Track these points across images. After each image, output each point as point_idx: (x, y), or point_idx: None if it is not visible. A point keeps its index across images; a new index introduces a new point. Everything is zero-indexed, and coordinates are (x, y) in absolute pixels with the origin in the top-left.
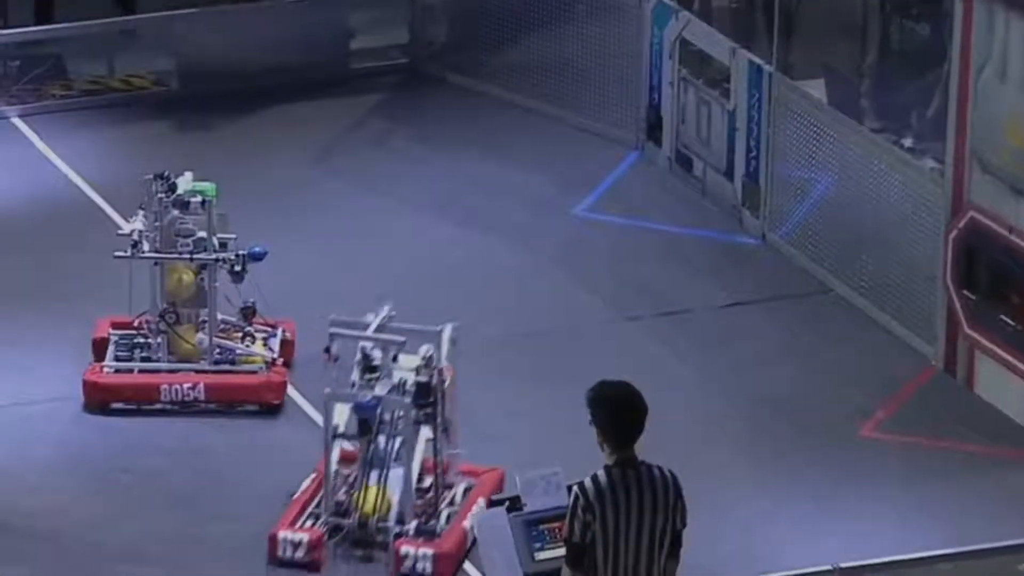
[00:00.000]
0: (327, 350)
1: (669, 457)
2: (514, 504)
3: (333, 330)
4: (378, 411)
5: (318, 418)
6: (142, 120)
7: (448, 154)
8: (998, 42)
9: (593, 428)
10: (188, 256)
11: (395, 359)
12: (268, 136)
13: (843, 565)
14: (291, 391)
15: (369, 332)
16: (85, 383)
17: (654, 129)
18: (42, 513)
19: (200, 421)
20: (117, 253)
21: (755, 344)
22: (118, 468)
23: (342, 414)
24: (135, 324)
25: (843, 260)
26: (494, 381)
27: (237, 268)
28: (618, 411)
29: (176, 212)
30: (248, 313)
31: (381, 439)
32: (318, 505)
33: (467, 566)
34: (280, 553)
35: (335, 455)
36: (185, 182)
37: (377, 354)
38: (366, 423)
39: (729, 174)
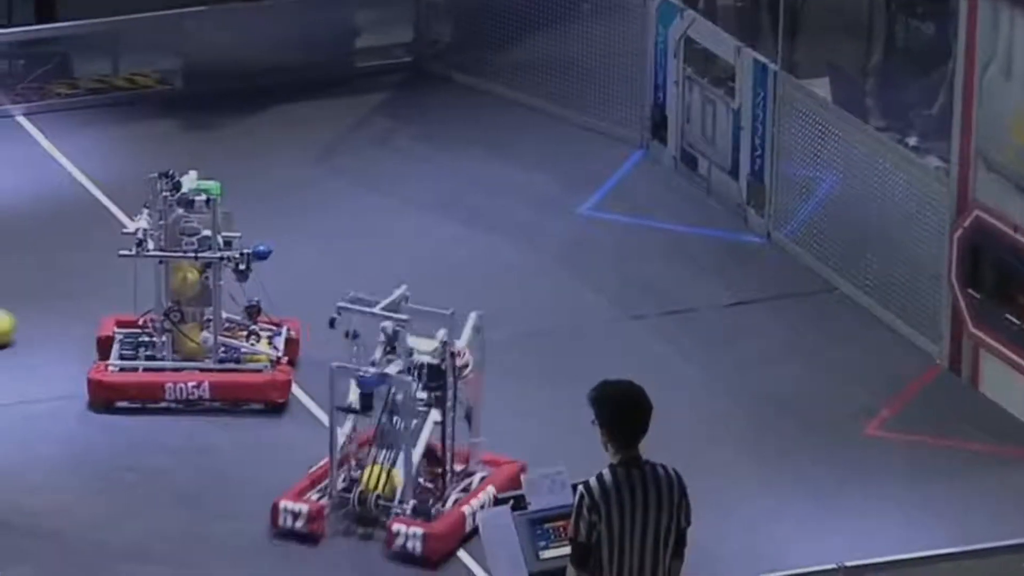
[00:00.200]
0: (331, 323)
1: (674, 456)
2: (518, 503)
3: (341, 304)
4: (383, 388)
5: (323, 417)
6: (147, 119)
7: (452, 153)
8: (1003, 40)
9: (597, 427)
10: (193, 255)
11: (393, 339)
12: (272, 135)
13: (848, 564)
14: (296, 390)
15: (375, 309)
16: (90, 382)
17: (659, 128)
18: (46, 512)
19: (205, 420)
20: (122, 252)
21: (760, 343)
22: (122, 467)
23: (356, 391)
24: (140, 323)
25: (848, 259)
26: (498, 380)
27: (242, 267)
28: (622, 410)
29: (181, 211)
30: (253, 312)
31: (393, 419)
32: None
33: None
34: (280, 522)
35: (345, 430)
36: (190, 181)
37: (401, 334)
38: (368, 399)
39: (734, 173)
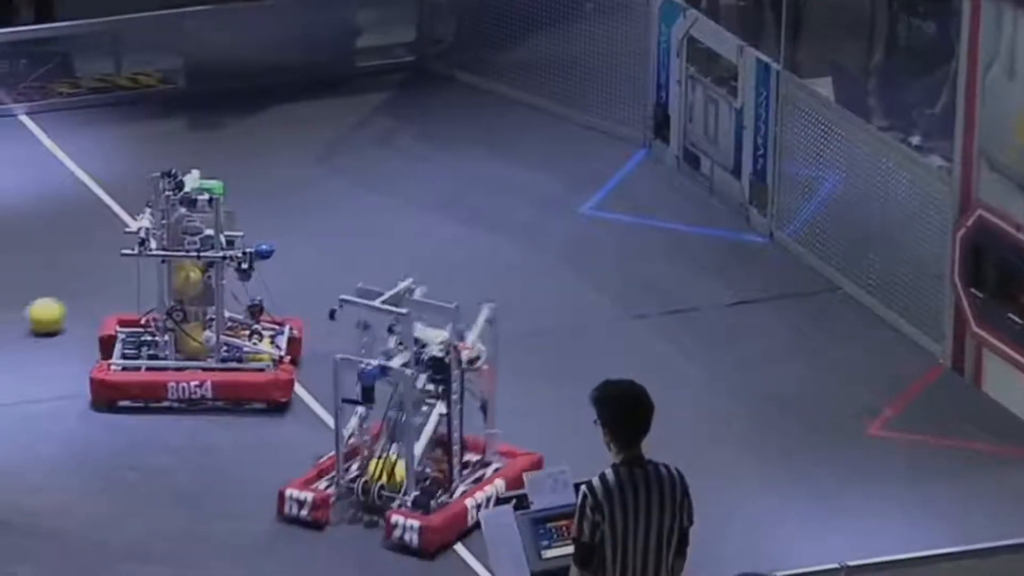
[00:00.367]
0: (332, 314)
1: (676, 455)
2: (521, 502)
3: (343, 296)
4: (382, 380)
5: (326, 416)
6: (149, 118)
7: (453, 152)
8: (1006, 39)
9: (599, 427)
10: (195, 254)
11: (391, 330)
12: (274, 134)
13: (850, 563)
14: (298, 389)
15: (376, 303)
16: (92, 381)
17: (661, 127)
18: (47, 511)
19: (207, 419)
20: (124, 251)
21: (762, 342)
22: (124, 466)
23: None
24: (142, 322)
25: (850, 258)
26: (501, 379)
27: (244, 266)
28: (624, 410)
29: (183, 210)
30: (255, 311)
31: (401, 411)
32: (347, 472)
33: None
34: (286, 510)
35: (352, 422)
36: (192, 180)
37: (417, 325)
38: (369, 391)
39: (736, 172)
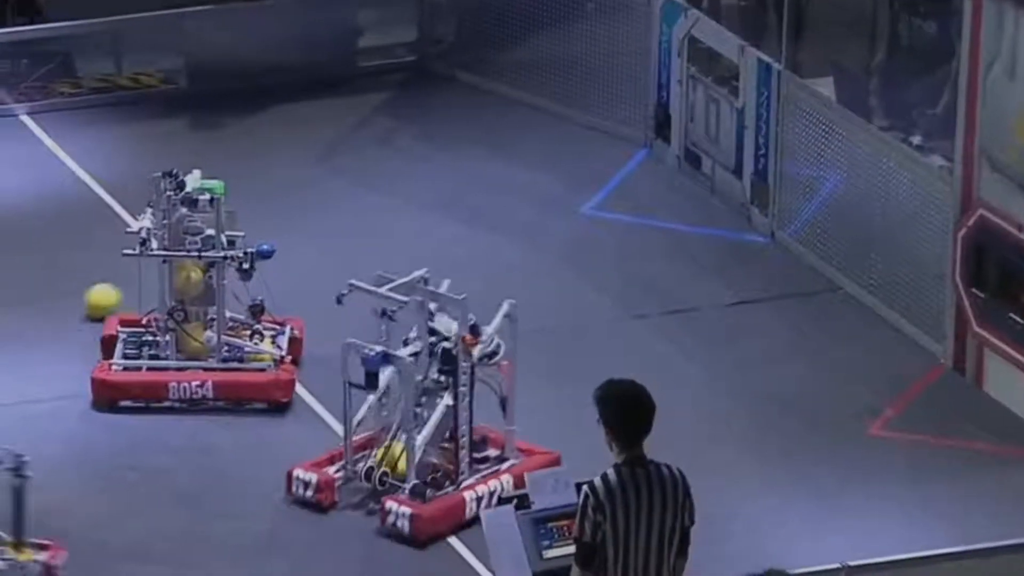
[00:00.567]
0: (339, 300)
1: (677, 455)
2: (522, 502)
3: (352, 282)
4: (384, 366)
5: (327, 416)
6: (150, 118)
7: (454, 152)
8: (1007, 39)
9: (601, 427)
10: (196, 254)
11: (388, 316)
12: (274, 134)
13: (850, 563)
14: (299, 389)
15: (383, 290)
16: (93, 381)
17: (662, 127)
18: (48, 511)
19: (208, 419)
20: (125, 251)
21: (763, 342)
22: (125, 466)
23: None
24: (143, 322)
25: (852, 258)
26: None
27: (245, 266)
28: (626, 409)
29: (184, 210)
30: (256, 311)
31: (408, 399)
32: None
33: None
34: (293, 490)
35: (363, 410)
36: (193, 180)
37: (442, 316)
38: (372, 376)
39: (738, 172)
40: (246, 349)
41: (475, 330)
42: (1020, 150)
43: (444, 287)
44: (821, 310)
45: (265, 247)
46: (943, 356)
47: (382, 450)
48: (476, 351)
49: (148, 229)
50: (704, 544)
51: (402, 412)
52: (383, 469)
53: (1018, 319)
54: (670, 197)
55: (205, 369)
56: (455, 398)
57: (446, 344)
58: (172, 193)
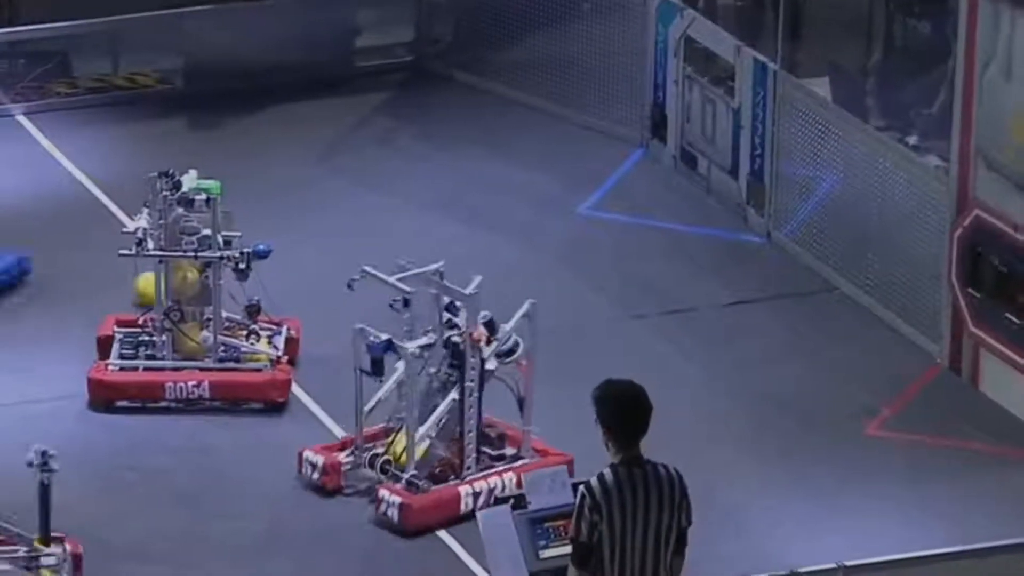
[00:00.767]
0: (349, 285)
1: (674, 455)
2: (519, 502)
3: (364, 267)
4: (389, 353)
5: (323, 416)
6: (146, 118)
7: (452, 152)
8: (1003, 39)
9: (598, 426)
10: (193, 254)
11: (395, 308)
12: (273, 134)
13: (848, 564)
14: (296, 389)
15: (392, 279)
16: (90, 381)
17: (659, 127)
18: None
19: (205, 419)
20: (122, 251)
21: (760, 342)
22: (123, 466)
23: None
24: (140, 322)
25: (848, 258)
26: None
27: (242, 266)
28: (623, 409)
29: (181, 210)
30: (253, 311)
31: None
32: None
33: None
34: (302, 470)
35: (373, 400)
36: (190, 180)
37: (483, 313)
38: (377, 363)
39: (734, 172)
40: (242, 349)
41: (492, 327)
42: (1016, 150)
43: (473, 285)
44: (817, 310)
45: (261, 247)
46: (939, 356)
47: (392, 439)
48: (486, 348)
49: (144, 229)
50: (701, 544)
51: (408, 402)
52: (386, 457)
53: (1014, 319)
54: (666, 197)
55: (201, 369)
56: (461, 393)
57: (456, 339)
58: (168, 193)
